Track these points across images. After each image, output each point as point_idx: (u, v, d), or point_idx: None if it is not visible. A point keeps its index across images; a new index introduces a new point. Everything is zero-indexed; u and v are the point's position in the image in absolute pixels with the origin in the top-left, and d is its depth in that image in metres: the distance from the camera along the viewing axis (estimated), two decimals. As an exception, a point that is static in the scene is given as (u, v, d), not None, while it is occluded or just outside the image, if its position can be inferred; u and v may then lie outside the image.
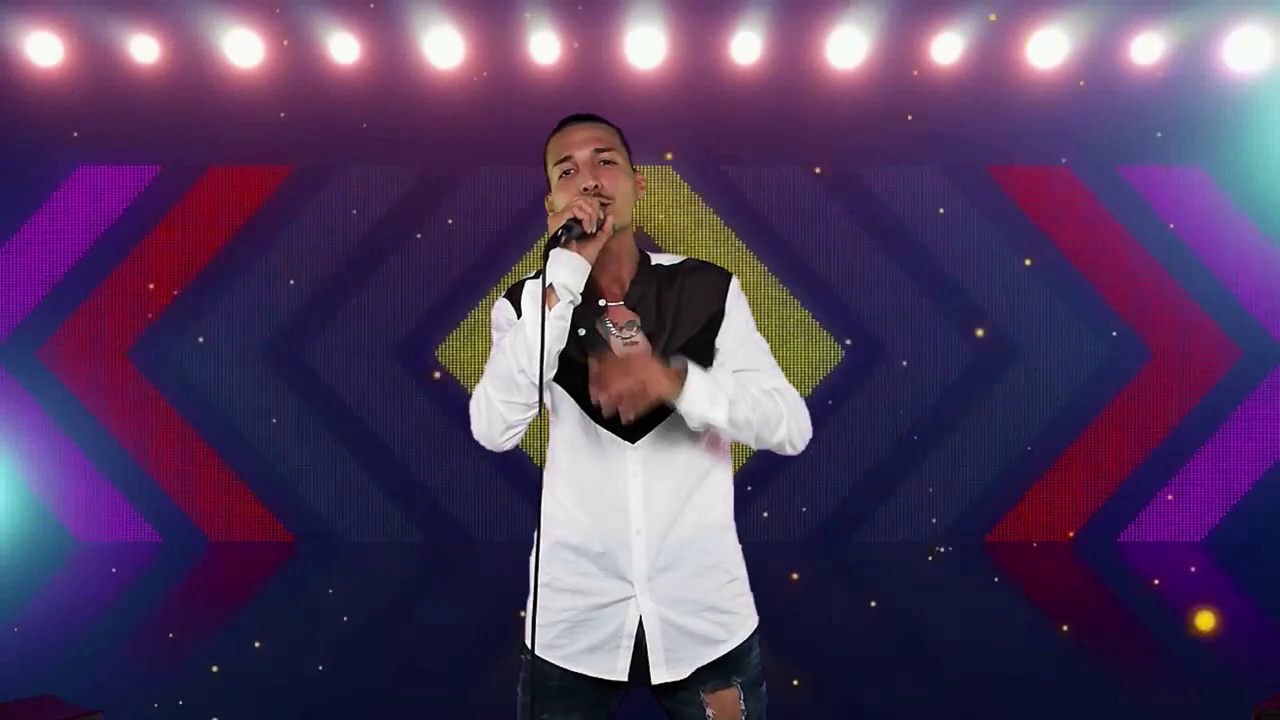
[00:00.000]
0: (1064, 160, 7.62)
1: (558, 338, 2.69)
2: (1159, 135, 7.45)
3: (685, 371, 2.68)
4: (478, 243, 7.71)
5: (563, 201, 2.83)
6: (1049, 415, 7.69)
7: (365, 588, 7.23)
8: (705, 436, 2.86)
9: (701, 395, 2.70)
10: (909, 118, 7.49)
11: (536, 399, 2.72)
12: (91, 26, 7.37)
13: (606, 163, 2.85)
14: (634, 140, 7.75)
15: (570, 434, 2.85)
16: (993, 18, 7.23)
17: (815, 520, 7.73)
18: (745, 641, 2.92)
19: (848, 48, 7.40)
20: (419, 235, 7.68)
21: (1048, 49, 7.37)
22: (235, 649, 5.99)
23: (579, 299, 2.74)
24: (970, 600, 7.06)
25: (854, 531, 7.74)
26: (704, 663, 2.85)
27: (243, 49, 7.37)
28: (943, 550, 7.47)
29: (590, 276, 2.81)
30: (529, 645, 2.89)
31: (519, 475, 7.70)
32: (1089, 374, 7.68)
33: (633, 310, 2.83)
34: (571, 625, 2.84)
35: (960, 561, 7.55)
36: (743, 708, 2.87)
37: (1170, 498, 7.56)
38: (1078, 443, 7.69)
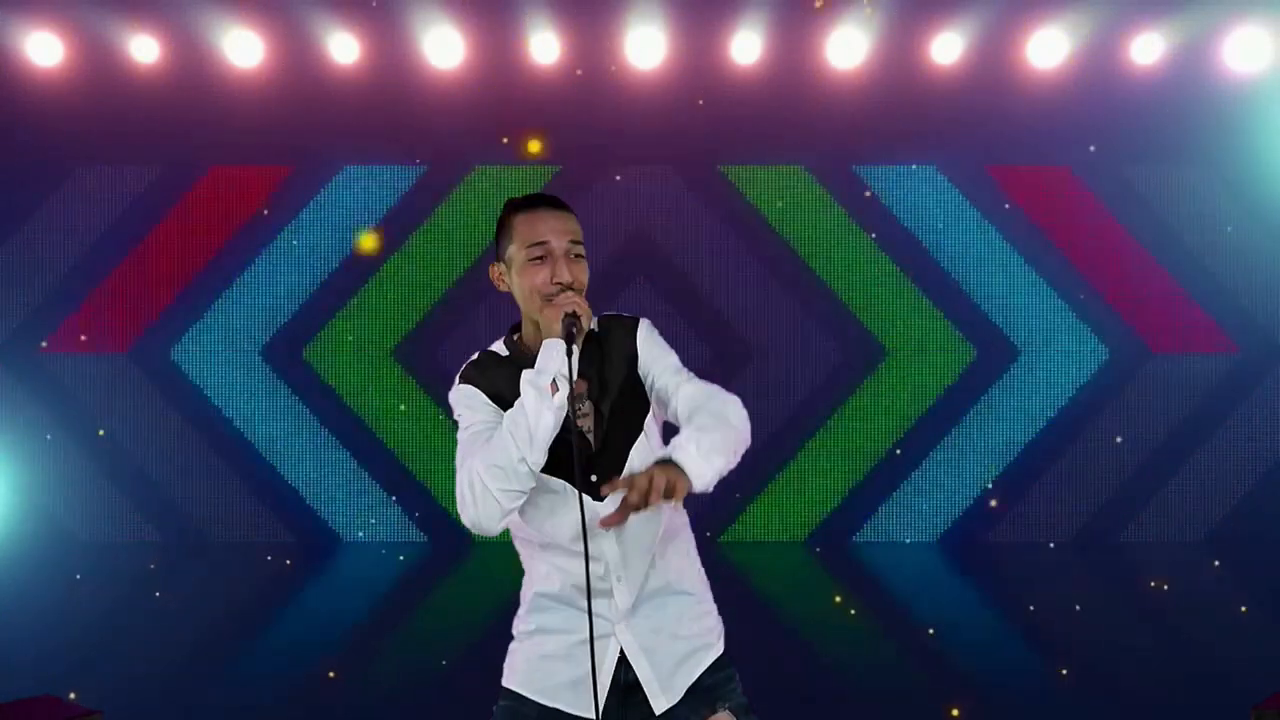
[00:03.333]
0: (1064, 160, 7.63)
1: (558, 423, 2.80)
2: (1156, 134, 7.47)
3: (673, 459, 2.78)
4: (477, 242, 7.72)
5: (526, 284, 2.89)
6: (1049, 415, 7.70)
7: (365, 587, 7.23)
8: (650, 461, 2.96)
9: (700, 462, 2.79)
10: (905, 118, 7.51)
11: (531, 484, 2.81)
12: (91, 26, 7.37)
13: (578, 256, 2.91)
14: (634, 140, 7.77)
15: (539, 503, 2.93)
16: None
17: (816, 519, 7.73)
18: (724, 665, 3.01)
19: (848, 48, 7.40)
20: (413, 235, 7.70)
21: (1048, 49, 7.37)
22: (235, 648, 6.00)
23: (572, 388, 2.83)
24: (970, 600, 7.06)
25: (854, 530, 7.74)
26: (691, 681, 2.92)
27: (243, 49, 7.37)
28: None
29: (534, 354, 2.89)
30: (509, 688, 2.94)
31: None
32: (1089, 374, 7.68)
33: (584, 375, 2.93)
34: (551, 659, 2.91)
35: (960, 561, 7.55)
36: None
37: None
38: (1078, 443, 7.69)
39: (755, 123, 7.54)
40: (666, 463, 2.74)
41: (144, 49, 7.37)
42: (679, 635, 2.98)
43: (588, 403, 2.94)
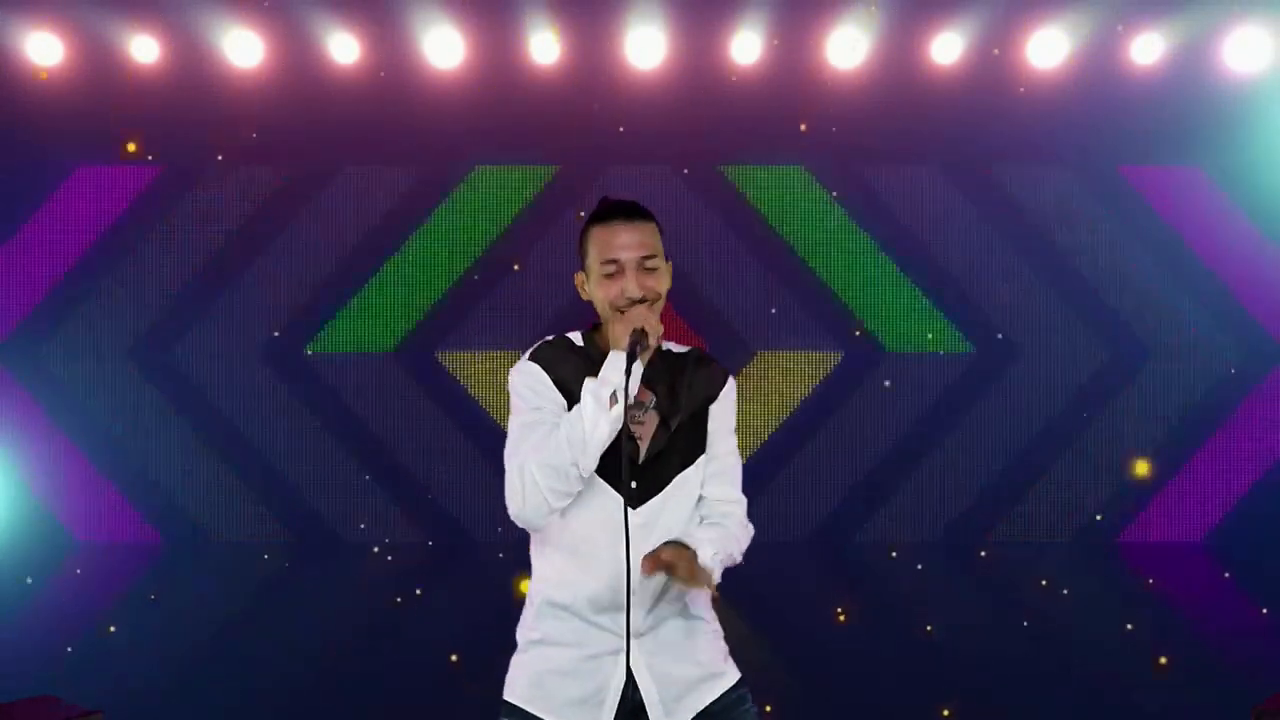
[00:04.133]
0: (1065, 160, 7.62)
1: (613, 435, 2.86)
2: (1157, 134, 7.46)
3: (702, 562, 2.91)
4: (478, 242, 7.71)
5: (602, 296, 2.98)
6: (1049, 415, 7.69)
7: (365, 587, 7.23)
8: (694, 503, 3.07)
9: (715, 572, 2.94)
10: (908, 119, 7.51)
11: (581, 487, 2.87)
12: (91, 26, 7.37)
13: (651, 269, 2.94)
14: (634, 140, 7.78)
15: (576, 502, 2.94)
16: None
17: (816, 519, 7.73)
18: (737, 688, 3.01)
19: (847, 48, 7.40)
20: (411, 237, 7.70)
21: (1048, 49, 7.37)
22: (235, 649, 5.99)
23: (633, 400, 2.92)
24: (970, 600, 7.06)
25: (855, 531, 7.74)
26: (700, 708, 2.92)
27: (243, 49, 7.37)
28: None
29: (605, 354, 2.92)
30: (512, 703, 2.94)
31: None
32: (1089, 374, 7.68)
33: (652, 387, 2.97)
34: (559, 675, 2.89)
35: (960, 561, 7.55)
36: None
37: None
38: (1078, 443, 7.69)
39: (755, 123, 7.54)
40: (694, 555, 2.87)
41: (144, 49, 7.36)
42: (691, 660, 2.98)
43: (651, 413, 2.99)
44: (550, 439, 2.86)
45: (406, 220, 7.72)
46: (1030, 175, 7.66)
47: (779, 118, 7.54)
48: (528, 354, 3.03)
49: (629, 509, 2.89)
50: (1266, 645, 5.91)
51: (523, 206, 7.67)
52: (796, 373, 7.67)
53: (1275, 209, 7.52)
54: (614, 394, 2.82)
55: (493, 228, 7.70)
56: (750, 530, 3.19)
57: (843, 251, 7.72)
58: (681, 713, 2.92)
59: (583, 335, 3.05)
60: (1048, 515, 7.70)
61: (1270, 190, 7.50)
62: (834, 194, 7.71)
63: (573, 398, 2.89)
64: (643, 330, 2.86)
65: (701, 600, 3.04)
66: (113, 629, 6.15)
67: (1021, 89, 7.47)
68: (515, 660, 3.02)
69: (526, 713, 2.92)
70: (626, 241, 2.95)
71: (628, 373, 2.80)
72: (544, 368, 2.97)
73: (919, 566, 7.45)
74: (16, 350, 7.63)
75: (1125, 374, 7.66)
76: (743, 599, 6.92)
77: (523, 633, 3.04)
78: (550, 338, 3.06)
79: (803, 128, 7.53)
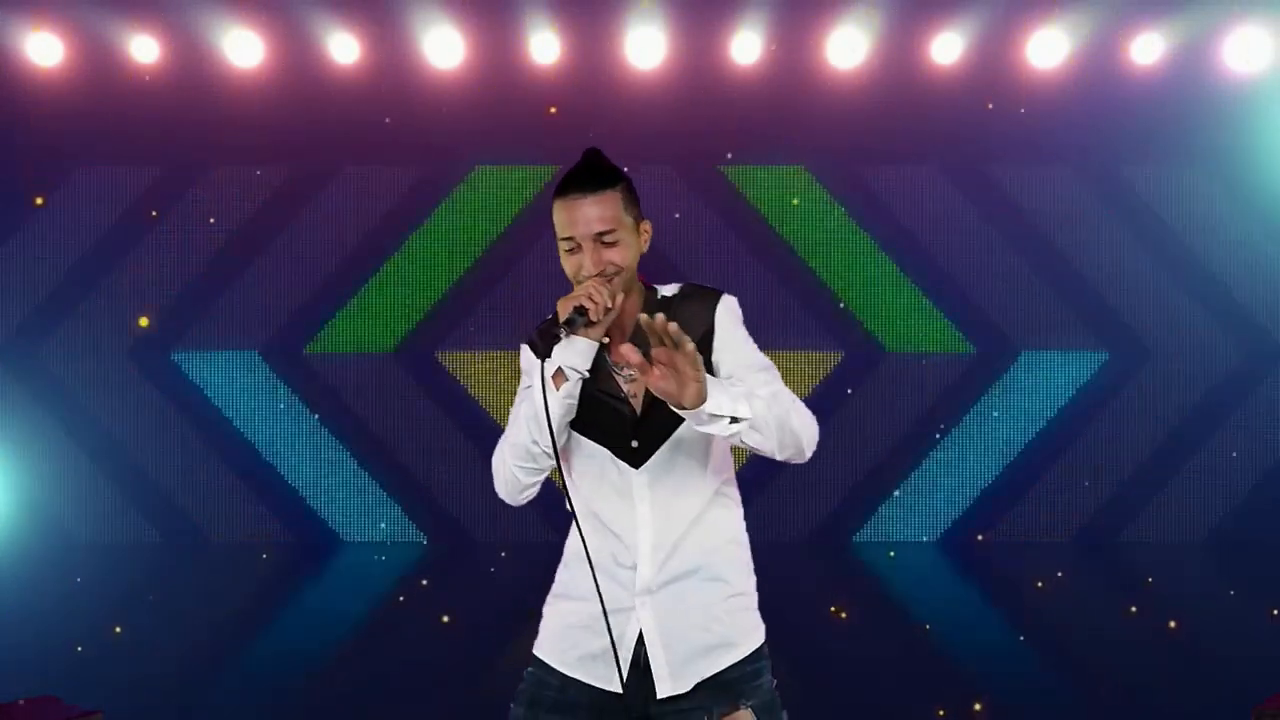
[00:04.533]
0: (1064, 160, 7.62)
1: (567, 412, 2.88)
2: (1156, 134, 7.46)
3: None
4: (478, 242, 7.72)
5: (568, 271, 2.94)
6: (1050, 415, 7.69)
7: (365, 587, 7.23)
8: (711, 459, 2.95)
9: (724, 395, 2.77)
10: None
11: (549, 464, 2.91)
12: (91, 26, 7.37)
13: (609, 243, 2.89)
14: (634, 140, 7.78)
15: (582, 466, 2.98)
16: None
17: (816, 519, 7.73)
18: (751, 660, 2.92)
19: (848, 48, 7.40)
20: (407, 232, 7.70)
21: (1048, 49, 7.37)
22: (235, 649, 6.00)
23: (587, 374, 2.89)
24: (970, 600, 7.06)
25: (855, 531, 7.74)
26: (707, 675, 2.86)
27: (243, 49, 7.37)
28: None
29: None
30: (537, 655, 2.94)
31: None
32: (1089, 374, 7.68)
33: (638, 342, 2.89)
34: (577, 629, 2.91)
35: (960, 561, 7.55)
36: None
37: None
38: (1078, 443, 7.69)
39: (755, 123, 7.54)
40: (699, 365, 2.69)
41: (144, 49, 7.36)
42: (703, 626, 2.93)
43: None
44: (514, 422, 2.92)
45: (406, 220, 7.72)
46: (1030, 175, 7.66)
47: (779, 118, 7.54)
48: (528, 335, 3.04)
49: (633, 468, 2.90)
50: (1266, 645, 5.91)
51: (523, 206, 7.67)
52: (796, 373, 7.67)
53: (1275, 209, 7.52)
54: (561, 370, 2.84)
55: (493, 228, 7.70)
56: (814, 425, 3.04)
57: (843, 251, 7.72)
58: (687, 677, 2.88)
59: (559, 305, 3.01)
60: (1048, 515, 7.70)
61: (1270, 190, 7.50)
62: (834, 194, 7.71)
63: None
64: (580, 307, 2.81)
65: (733, 564, 3.00)
66: (114, 629, 6.15)
67: (1021, 89, 7.48)
68: (545, 610, 3.04)
69: (548, 665, 2.95)
70: (583, 216, 2.90)
71: (545, 354, 2.78)
72: (533, 350, 2.91)
73: (918, 566, 7.45)
74: (16, 350, 7.64)
75: (1125, 374, 7.67)
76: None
77: (553, 589, 3.06)
78: (551, 317, 3.02)
79: (801, 129, 7.54)
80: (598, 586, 2.85)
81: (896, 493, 7.73)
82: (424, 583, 7.37)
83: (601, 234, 2.91)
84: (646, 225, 3.02)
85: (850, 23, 7.37)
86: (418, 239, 7.72)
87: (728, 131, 7.56)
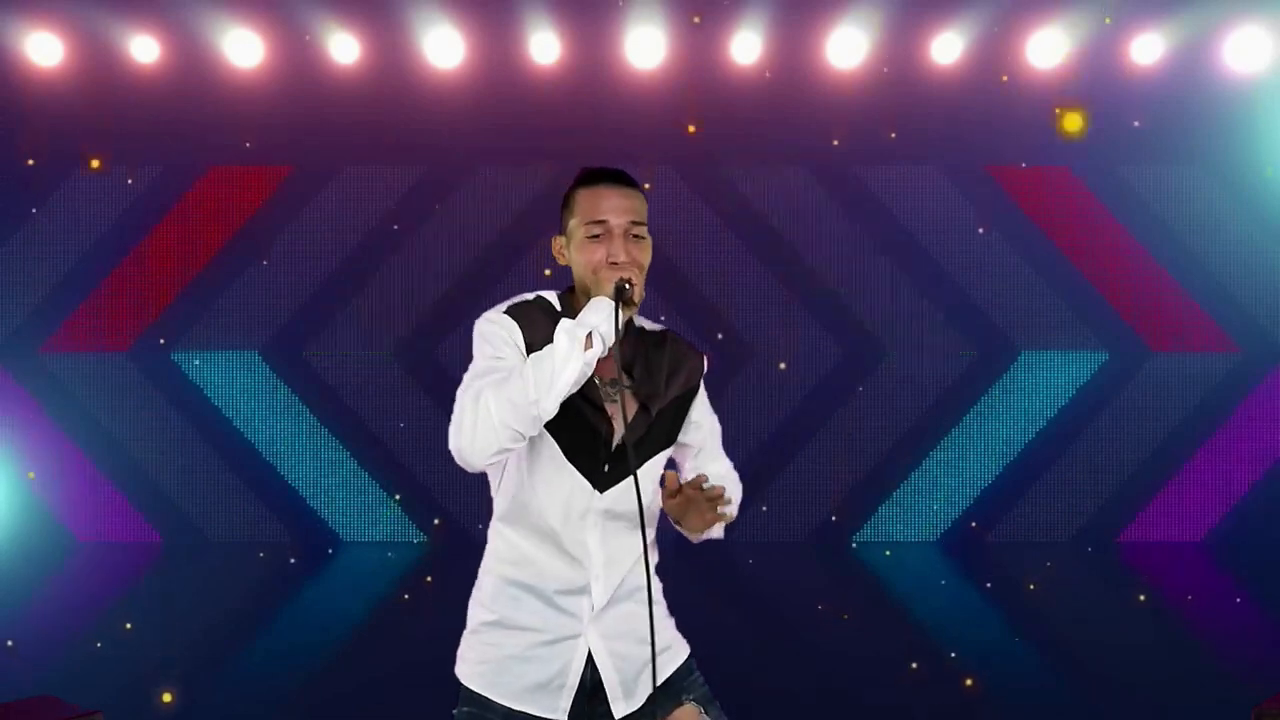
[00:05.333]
0: (1064, 160, 7.63)
1: (581, 379, 2.72)
2: (1136, 125, 7.46)
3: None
4: (478, 242, 7.72)
5: (583, 260, 2.85)
6: (1049, 415, 7.69)
7: (365, 587, 7.23)
8: (654, 487, 2.94)
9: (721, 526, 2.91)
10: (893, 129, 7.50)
11: (532, 434, 2.74)
12: (91, 26, 7.37)
13: (638, 237, 2.85)
14: (634, 140, 7.78)
15: (546, 475, 2.87)
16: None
17: (816, 519, 7.73)
18: (684, 663, 2.98)
19: (848, 48, 7.40)
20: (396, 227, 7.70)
21: (1047, 49, 7.37)
22: (235, 649, 6.00)
23: (607, 351, 2.76)
24: (970, 600, 7.06)
25: (855, 531, 7.74)
26: (656, 683, 2.88)
27: (243, 49, 7.37)
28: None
29: None
30: (471, 689, 2.90)
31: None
32: (1089, 374, 7.68)
33: (627, 366, 2.88)
34: (517, 660, 2.86)
35: (960, 561, 7.55)
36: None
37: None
38: (1078, 443, 7.69)
39: (755, 123, 7.54)
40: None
41: (144, 49, 7.36)
42: (643, 639, 2.92)
43: (625, 393, 2.87)
44: (513, 376, 2.73)
45: (406, 220, 7.72)
46: (1028, 175, 7.67)
47: (779, 118, 7.54)
48: (504, 306, 2.90)
49: (596, 491, 2.84)
50: (1266, 645, 5.91)
51: (522, 206, 7.67)
52: (796, 373, 7.67)
53: (1275, 209, 7.52)
54: (590, 336, 2.70)
55: (493, 228, 7.70)
56: (740, 493, 3.09)
57: (843, 251, 7.71)
58: (639, 691, 2.89)
59: (559, 298, 2.92)
60: (1048, 515, 7.70)
61: (1271, 190, 7.50)
62: (836, 194, 7.71)
63: None
64: (630, 281, 2.75)
65: (656, 580, 2.99)
66: (114, 629, 6.16)
67: (1021, 89, 7.48)
68: (468, 640, 2.95)
69: (485, 699, 2.88)
70: (617, 205, 2.84)
71: (616, 317, 2.70)
72: (518, 324, 2.86)
73: (919, 566, 7.45)
74: (16, 350, 7.64)
75: (1125, 374, 7.67)
76: (742, 598, 6.93)
77: (476, 611, 2.96)
78: (529, 296, 2.94)
79: (800, 129, 7.55)
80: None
81: (897, 493, 7.74)
82: (428, 579, 7.37)
83: (633, 225, 2.87)
84: (650, 243, 3.00)
85: (850, 23, 7.37)
86: (418, 239, 7.72)
87: (728, 132, 7.56)
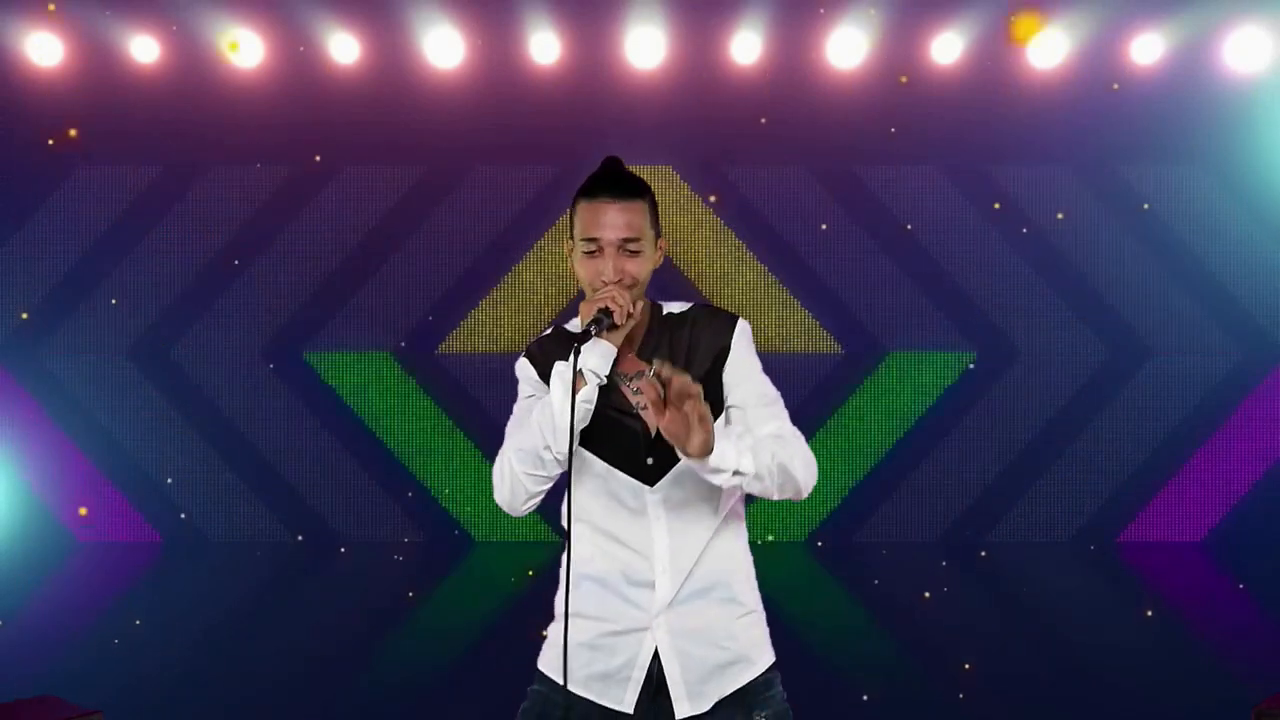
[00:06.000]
0: (1064, 160, 7.63)
1: (584, 417, 2.79)
2: (1157, 134, 7.46)
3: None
4: (477, 242, 7.71)
5: (582, 276, 2.88)
6: (1049, 415, 7.69)
7: (365, 587, 7.23)
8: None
9: (730, 448, 2.76)
10: (892, 129, 7.50)
11: (559, 471, 2.82)
12: (91, 26, 7.37)
13: (632, 252, 2.87)
14: (634, 140, 7.77)
15: (593, 486, 2.90)
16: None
17: (817, 519, 7.73)
18: (764, 674, 2.93)
19: (848, 48, 7.40)
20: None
21: (1048, 49, 7.37)
22: (235, 648, 6.00)
23: (605, 380, 2.82)
24: (970, 600, 7.06)
25: (855, 531, 7.74)
26: (725, 693, 2.86)
27: (243, 49, 7.37)
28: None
29: None
30: (543, 671, 2.90)
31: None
32: (1089, 374, 7.68)
33: (648, 359, 2.87)
34: (586, 647, 2.87)
35: (960, 562, 7.55)
36: None
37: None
38: (1078, 443, 7.69)
39: (755, 123, 7.54)
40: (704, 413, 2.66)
41: (144, 49, 7.36)
42: (720, 643, 2.90)
43: (651, 382, 2.86)
44: (526, 425, 2.83)
45: (406, 220, 7.72)
46: (1030, 175, 7.67)
47: (779, 118, 7.54)
48: (531, 340, 3.00)
49: (647, 486, 2.86)
50: (1266, 645, 5.91)
51: (521, 207, 7.67)
52: (796, 373, 7.66)
53: (1275, 209, 7.52)
54: (582, 373, 2.74)
55: (492, 228, 7.70)
56: (812, 463, 2.94)
57: (842, 251, 7.72)
58: (706, 696, 2.86)
59: (581, 318, 2.90)
60: (1047, 515, 7.70)
61: (1270, 190, 7.50)
62: (836, 194, 7.71)
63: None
64: (606, 309, 2.76)
65: (743, 584, 2.96)
66: (113, 629, 6.16)
67: (1021, 89, 7.48)
68: (551, 627, 3.00)
69: (554, 682, 2.89)
70: (609, 221, 2.85)
71: (575, 352, 2.72)
72: (532, 361, 2.93)
73: (918, 566, 7.45)
74: (16, 350, 7.64)
75: (1125, 374, 7.66)
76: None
77: (558, 604, 2.94)
78: (548, 330, 3.01)
79: (796, 127, 7.55)
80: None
81: (896, 493, 7.73)
82: (418, 591, 7.37)
83: (626, 242, 2.87)
84: (663, 242, 2.99)
85: (850, 23, 7.37)
86: (418, 239, 7.72)
87: (727, 132, 7.57)
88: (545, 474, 2.82)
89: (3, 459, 7.59)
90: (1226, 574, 7.31)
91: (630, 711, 2.86)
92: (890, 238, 7.69)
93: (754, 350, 3.02)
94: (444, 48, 7.37)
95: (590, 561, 2.92)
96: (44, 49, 7.36)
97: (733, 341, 2.97)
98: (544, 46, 7.37)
